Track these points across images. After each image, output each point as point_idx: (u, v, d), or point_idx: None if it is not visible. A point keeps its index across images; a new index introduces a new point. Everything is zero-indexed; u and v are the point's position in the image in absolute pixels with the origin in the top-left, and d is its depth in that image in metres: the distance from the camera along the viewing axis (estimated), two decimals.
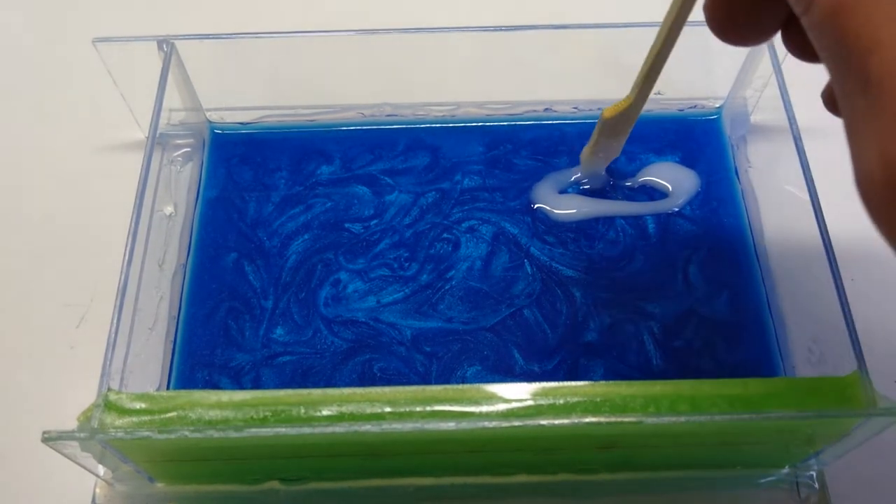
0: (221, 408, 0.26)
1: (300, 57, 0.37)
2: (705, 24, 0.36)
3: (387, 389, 0.27)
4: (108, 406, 0.26)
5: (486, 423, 0.25)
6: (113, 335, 0.28)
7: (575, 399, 0.26)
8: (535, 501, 0.31)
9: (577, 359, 0.33)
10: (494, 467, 0.31)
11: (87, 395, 0.27)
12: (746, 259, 0.36)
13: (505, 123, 0.40)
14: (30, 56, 0.44)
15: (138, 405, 0.27)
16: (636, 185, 0.38)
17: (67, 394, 0.33)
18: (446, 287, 0.35)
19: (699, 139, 0.39)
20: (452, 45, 0.37)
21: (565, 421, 0.25)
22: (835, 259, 0.30)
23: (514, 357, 0.33)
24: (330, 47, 0.37)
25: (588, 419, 0.26)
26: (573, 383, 0.27)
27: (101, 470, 0.29)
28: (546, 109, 0.40)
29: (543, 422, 0.25)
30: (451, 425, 0.25)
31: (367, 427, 0.25)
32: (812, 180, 0.32)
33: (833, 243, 0.30)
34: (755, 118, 0.39)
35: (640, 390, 0.26)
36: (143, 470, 0.29)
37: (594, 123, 0.40)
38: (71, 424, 0.26)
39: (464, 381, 0.33)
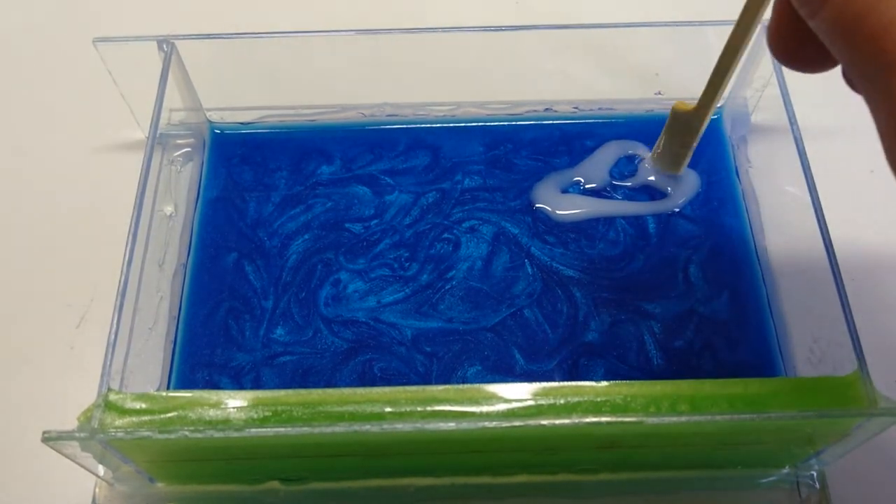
0: (221, 408, 0.26)
1: (300, 57, 0.37)
2: (703, 24, 0.36)
3: (387, 389, 0.27)
4: (109, 406, 0.26)
5: (487, 423, 0.25)
6: (113, 335, 0.28)
7: (575, 399, 0.26)
8: (536, 501, 0.31)
9: (577, 359, 0.33)
10: (495, 467, 0.31)
11: (87, 395, 0.27)
12: (746, 259, 0.36)
13: (505, 123, 0.40)
14: (30, 56, 0.44)
15: (138, 405, 0.27)
16: (636, 186, 0.38)
17: (67, 394, 0.33)
18: (447, 287, 0.35)
19: (699, 139, 0.39)
20: (452, 45, 0.37)
21: (566, 421, 0.25)
22: (835, 259, 0.30)
23: (514, 357, 0.33)
24: (330, 47, 0.37)
25: (588, 419, 0.26)
26: (573, 383, 0.27)
27: (101, 470, 0.29)
28: (546, 109, 0.40)
29: (544, 422, 0.25)
30: (451, 425, 0.25)
31: (368, 427, 0.25)
32: (812, 180, 0.32)
33: (833, 243, 0.30)
34: (755, 118, 0.39)
35: (641, 390, 0.26)
36: (144, 470, 0.29)
37: (594, 123, 0.40)
38: (71, 424, 0.26)
39: (464, 381, 0.33)
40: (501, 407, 0.26)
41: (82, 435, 0.25)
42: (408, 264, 0.36)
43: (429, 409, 0.26)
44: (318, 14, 0.45)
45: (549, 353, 0.33)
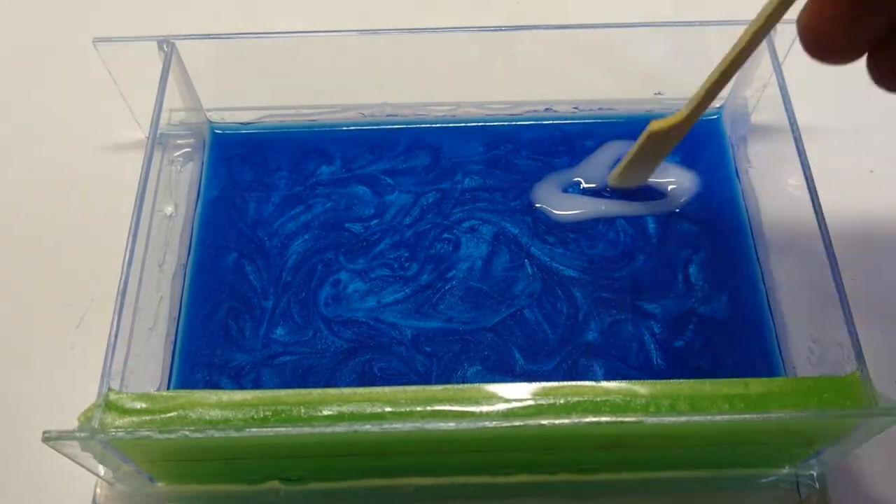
0: (221, 408, 0.26)
1: (300, 57, 0.37)
2: (703, 24, 0.36)
3: (387, 389, 0.27)
4: (109, 406, 0.26)
5: (487, 423, 0.25)
6: (113, 335, 0.28)
7: (575, 399, 0.26)
8: (536, 501, 0.31)
9: (577, 359, 0.33)
10: (495, 467, 0.31)
11: (87, 395, 0.27)
12: (746, 259, 0.36)
13: (505, 123, 0.40)
14: (30, 56, 0.44)
15: (139, 405, 0.27)
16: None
17: (67, 394, 0.33)
18: (447, 287, 0.35)
19: (699, 139, 0.39)
20: (452, 45, 0.37)
21: (566, 421, 0.26)
22: (835, 259, 0.30)
23: (514, 357, 0.33)
24: (330, 47, 0.37)
25: (588, 419, 0.26)
26: (573, 383, 0.27)
27: (101, 470, 0.29)
28: (546, 109, 0.40)
29: (544, 422, 0.25)
30: (451, 425, 0.25)
31: (368, 427, 0.25)
32: (812, 180, 0.32)
33: (833, 243, 0.30)
34: (755, 118, 0.39)
35: (641, 390, 0.27)
36: (144, 470, 0.29)
37: (594, 123, 0.40)
38: (71, 424, 0.26)
39: (464, 381, 0.33)
40: (501, 407, 0.26)
41: (82, 435, 0.25)
42: (408, 264, 0.36)
43: (429, 409, 0.26)
44: (318, 14, 0.45)
45: (549, 353, 0.33)
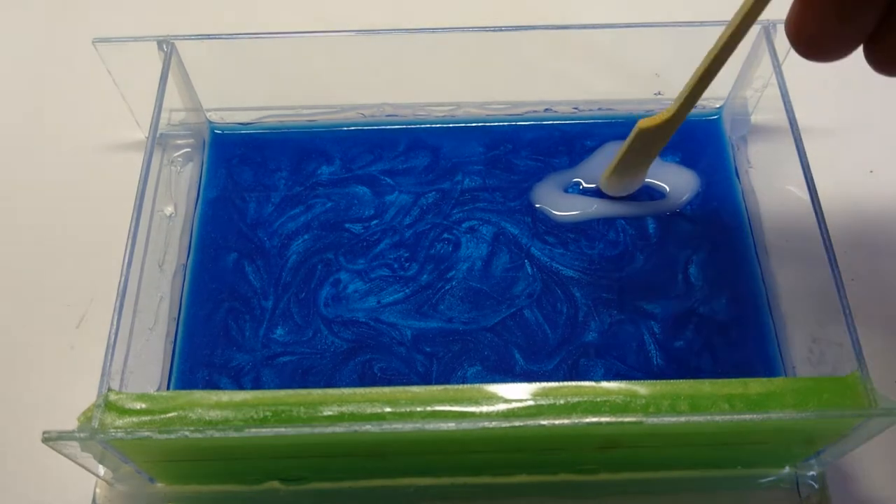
0: (221, 408, 0.26)
1: (300, 57, 0.37)
2: (703, 24, 0.36)
3: (387, 389, 0.27)
4: (109, 406, 0.26)
5: (487, 424, 0.25)
6: (113, 335, 0.28)
7: (575, 399, 0.26)
8: (536, 501, 0.31)
9: (577, 359, 0.33)
10: (494, 467, 0.31)
11: (87, 395, 0.27)
12: (746, 259, 0.36)
13: (505, 123, 0.40)
14: (30, 56, 0.44)
15: (138, 405, 0.27)
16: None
17: (67, 394, 0.33)
18: (446, 287, 0.35)
19: (699, 139, 0.39)
20: (452, 45, 0.37)
21: (565, 421, 0.25)
22: (835, 259, 0.30)
23: (514, 357, 0.33)
24: (330, 47, 0.37)
25: (588, 419, 0.26)
26: (573, 383, 0.27)
27: (101, 470, 0.29)
28: (546, 109, 0.40)
29: (544, 422, 0.25)
30: (451, 425, 0.25)
31: (367, 427, 0.25)
32: (812, 180, 0.32)
33: (833, 243, 0.30)
34: (755, 118, 0.39)
35: (641, 390, 0.27)
36: (143, 470, 0.29)
37: (594, 124, 0.40)
38: (71, 424, 0.26)
39: (464, 381, 0.33)
40: (501, 407, 0.26)
41: (82, 435, 0.25)
42: (408, 264, 0.36)
43: (429, 409, 0.26)
44: (318, 14, 0.45)
45: (549, 354, 0.33)
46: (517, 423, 0.25)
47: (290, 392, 0.27)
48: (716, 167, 0.38)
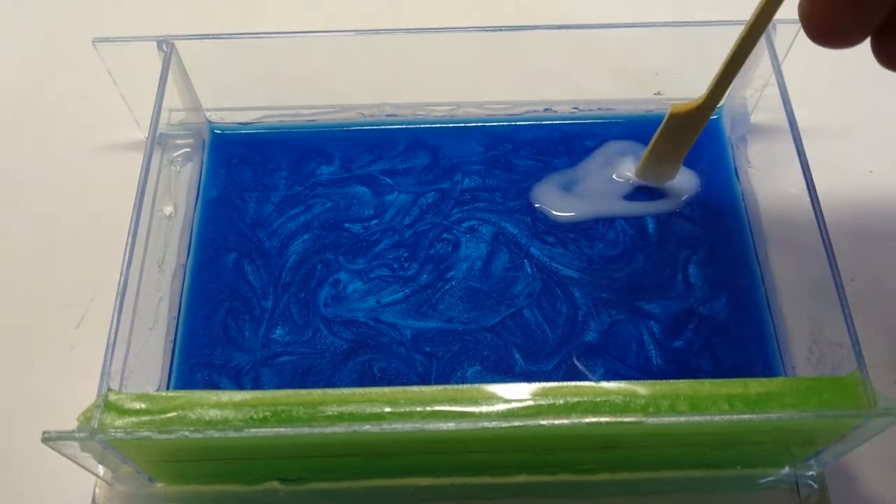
0: (221, 408, 0.26)
1: (300, 57, 0.37)
2: (703, 24, 0.36)
3: (387, 390, 0.27)
4: (108, 406, 0.26)
5: (486, 424, 0.25)
6: (113, 335, 0.28)
7: (575, 399, 0.26)
8: (535, 501, 0.31)
9: (576, 359, 0.33)
10: (494, 467, 0.31)
11: (87, 395, 0.27)
12: (746, 259, 0.36)
13: (505, 123, 0.40)
14: (30, 56, 0.44)
15: (138, 405, 0.27)
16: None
17: (67, 394, 0.33)
18: (446, 287, 0.35)
19: (699, 139, 0.39)
20: (452, 45, 0.37)
21: (565, 421, 0.25)
22: (835, 259, 0.30)
23: (514, 357, 0.33)
24: (330, 47, 0.37)
25: (588, 419, 0.26)
26: (573, 383, 0.27)
27: (101, 470, 0.29)
28: (546, 109, 0.40)
29: (543, 422, 0.25)
30: (451, 425, 0.25)
31: (367, 427, 0.25)
32: (812, 180, 0.32)
33: (833, 243, 0.30)
34: (755, 118, 0.39)
35: (640, 390, 0.26)
36: (143, 470, 0.29)
37: (594, 124, 0.40)
38: (71, 424, 0.26)
39: (464, 381, 0.33)
40: (501, 407, 0.26)
41: (82, 435, 0.25)
42: (407, 264, 0.36)
43: (428, 409, 0.26)
44: (318, 14, 0.45)
45: (549, 354, 0.33)
46: (517, 423, 0.25)
47: (290, 392, 0.27)
48: (716, 167, 0.38)
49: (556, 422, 0.25)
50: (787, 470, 0.31)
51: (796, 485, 0.31)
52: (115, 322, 0.29)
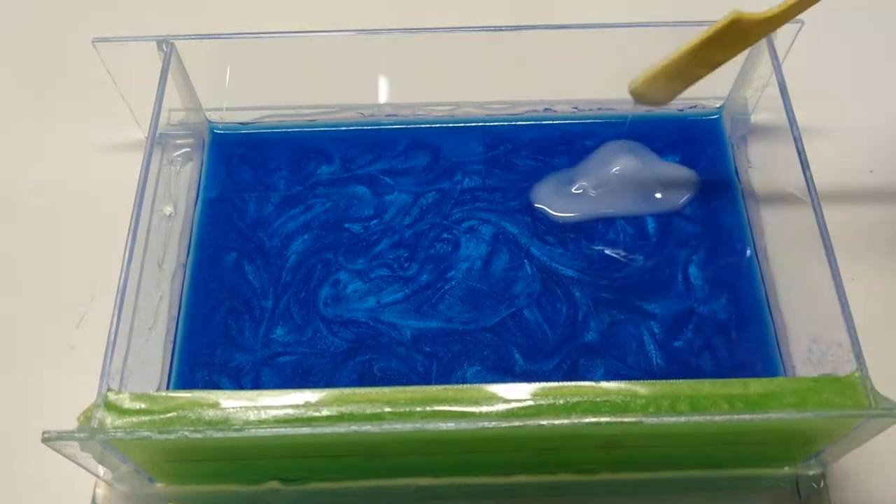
0: (221, 408, 0.26)
1: (300, 57, 0.37)
2: (703, 24, 0.36)
3: (387, 389, 0.27)
4: (108, 406, 0.26)
5: (486, 423, 0.25)
6: (113, 335, 0.28)
7: (575, 399, 0.26)
8: (535, 501, 0.31)
9: (577, 359, 0.33)
10: (494, 467, 0.31)
11: (87, 395, 0.27)
12: (746, 259, 0.36)
13: (505, 123, 0.40)
14: (30, 56, 0.44)
15: (138, 405, 0.27)
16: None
17: (67, 394, 0.33)
18: (446, 287, 0.35)
19: (699, 139, 0.39)
20: (452, 45, 0.37)
21: (565, 421, 0.25)
22: (835, 259, 0.30)
23: (514, 357, 0.33)
24: (330, 47, 0.37)
25: (588, 419, 0.26)
26: (573, 383, 0.27)
27: (101, 470, 0.29)
28: (546, 109, 0.40)
29: (543, 422, 0.25)
30: (451, 425, 0.25)
31: (367, 427, 0.25)
32: (812, 180, 0.32)
33: (833, 243, 0.30)
34: (755, 118, 0.39)
35: (640, 390, 0.26)
36: (143, 470, 0.29)
37: (594, 123, 0.40)
38: (71, 424, 0.26)
39: (464, 381, 0.33)
40: (501, 407, 0.26)
41: (82, 435, 0.25)
42: (407, 264, 0.36)
43: (428, 409, 0.26)
44: (318, 14, 0.45)
45: (549, 354, 0.33)
46: (517, 423, 0.25)
47: (290, 392, 0.27)
48: (716, 167, 0.38)
49: (556, 422, 0.25)
50: (787, 470, 0.31)
51: (797, 485, 0.31)
52: (115, 322, 0.29)
